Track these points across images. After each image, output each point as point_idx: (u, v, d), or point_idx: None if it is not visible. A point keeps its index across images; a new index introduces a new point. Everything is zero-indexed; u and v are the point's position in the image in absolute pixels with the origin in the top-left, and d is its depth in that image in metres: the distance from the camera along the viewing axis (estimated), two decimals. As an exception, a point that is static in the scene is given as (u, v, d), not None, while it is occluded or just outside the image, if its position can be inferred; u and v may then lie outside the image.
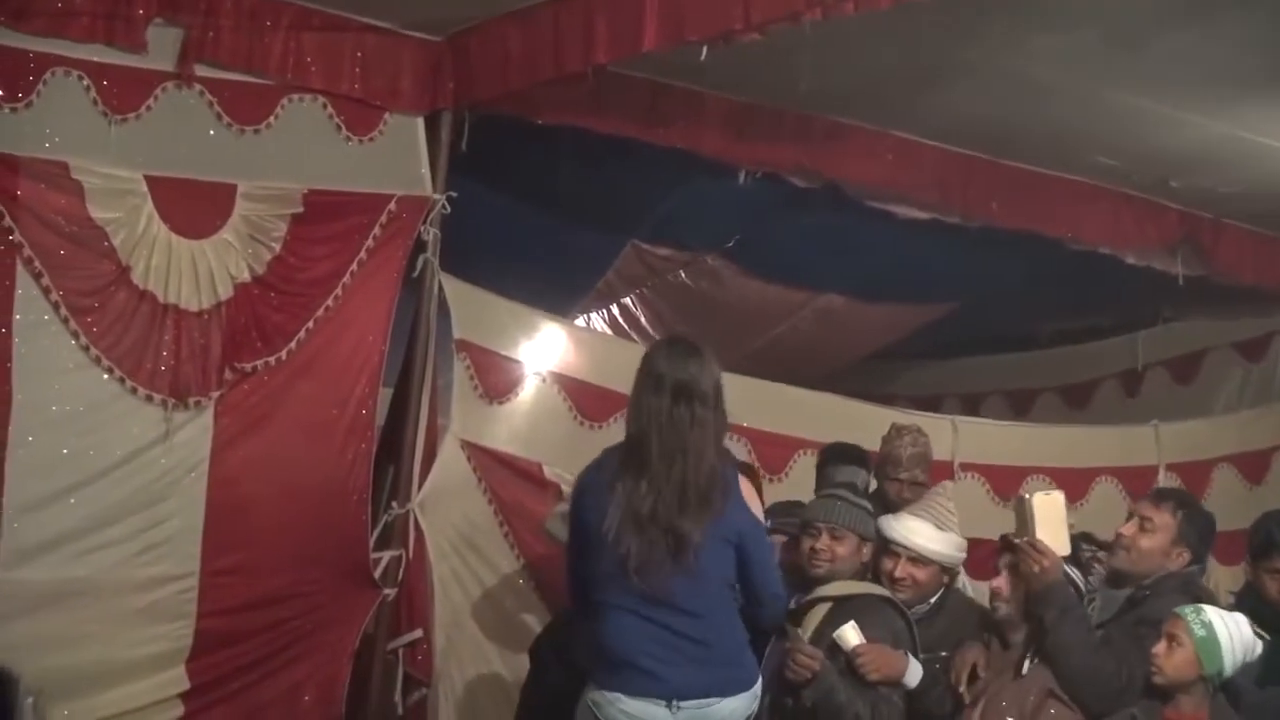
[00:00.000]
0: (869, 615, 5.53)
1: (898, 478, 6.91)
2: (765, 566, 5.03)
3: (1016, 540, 5.44)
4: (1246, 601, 5.78)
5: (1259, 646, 5.14)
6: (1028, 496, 5.49)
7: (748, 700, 4.79)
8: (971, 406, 11.54)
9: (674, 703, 4.66)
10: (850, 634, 5.49)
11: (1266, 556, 5.81)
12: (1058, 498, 5.52)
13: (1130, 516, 5.68)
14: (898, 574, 5.80)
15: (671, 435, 4.80)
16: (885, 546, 5.85)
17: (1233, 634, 5.05)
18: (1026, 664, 5.33)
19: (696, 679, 4.69)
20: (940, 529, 5.87)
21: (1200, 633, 5.02)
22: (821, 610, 5.64)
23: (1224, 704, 5.09)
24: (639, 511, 4.73)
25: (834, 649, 5.41)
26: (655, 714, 4.66)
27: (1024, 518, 5.45)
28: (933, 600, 5.87)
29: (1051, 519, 5.43)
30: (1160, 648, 5.07)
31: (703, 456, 4.82)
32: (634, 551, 4.72)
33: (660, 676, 4.67)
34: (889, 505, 6.29)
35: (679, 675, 4.68)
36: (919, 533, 5.83)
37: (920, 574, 5.81)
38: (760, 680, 4.86)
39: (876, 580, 5.83)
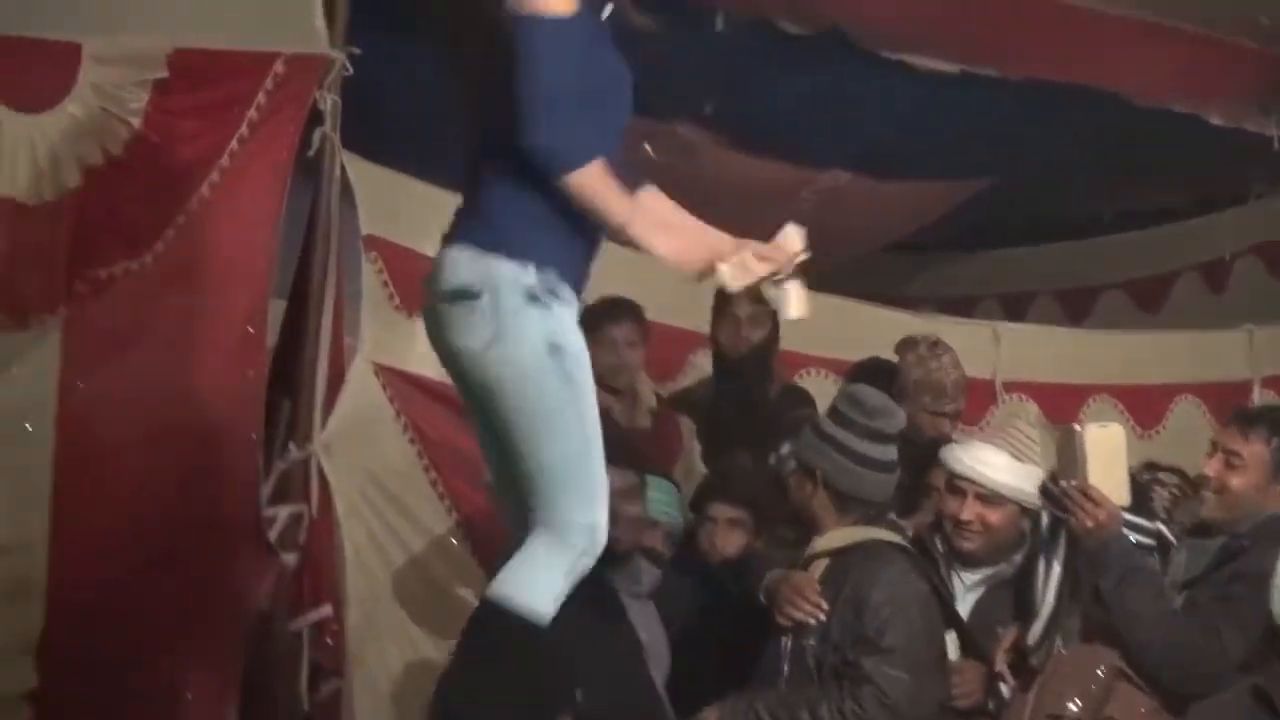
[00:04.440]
0: (870, 574, 5.39)
1: (942, 411, 6.77)
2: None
3: (1063, 485, 5.37)
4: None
5: None
6: (1078, 429, 5.46)
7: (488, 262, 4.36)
8: (1016, 309, 11.39)
9: None
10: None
11: None
12: (1116, 432, 5.52)
13: (1214, 450, 5.63)
14: (964, 516, 5.67)
15: None
16: (949, 483, 5.78)
17: None
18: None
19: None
20: (1019, 460, 5.72)
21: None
22: (819, 569, 5.57)
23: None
24: None
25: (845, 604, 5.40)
26: None
27: (1072, 456, 5.37)
28: (1016, 559, 5.72)
29: (1108, 459, 5.35)
30: None
31: None
32: None
33: None
34: (926, 445, 6.24)
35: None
36: (991, 463, 5.69)
37: (992, 516, 5.65)
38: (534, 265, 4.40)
39: (940, 525, 5.82)
